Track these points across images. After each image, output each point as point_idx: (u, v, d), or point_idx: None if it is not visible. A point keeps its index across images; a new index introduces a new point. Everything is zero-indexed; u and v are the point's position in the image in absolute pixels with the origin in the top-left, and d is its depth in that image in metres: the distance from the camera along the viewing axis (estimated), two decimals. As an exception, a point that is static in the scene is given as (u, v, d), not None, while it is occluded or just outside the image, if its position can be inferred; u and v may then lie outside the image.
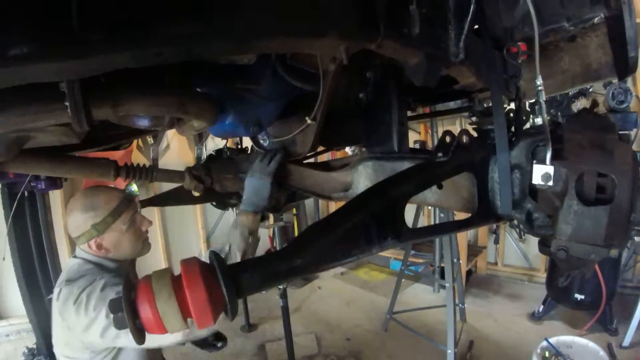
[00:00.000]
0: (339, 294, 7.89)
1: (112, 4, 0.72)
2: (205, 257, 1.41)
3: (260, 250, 6.77)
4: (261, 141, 2.15)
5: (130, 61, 0.81)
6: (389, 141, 1.87)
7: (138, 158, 5.80)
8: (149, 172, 2.25)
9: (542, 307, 6.17)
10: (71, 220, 2.19)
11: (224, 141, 3.02)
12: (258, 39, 0.92)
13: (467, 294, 7.00)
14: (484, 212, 1.52)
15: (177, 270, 1.00)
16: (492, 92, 1.49)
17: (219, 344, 2.81)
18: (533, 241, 7.29)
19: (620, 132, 1.34)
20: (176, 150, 7.27)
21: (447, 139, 1.62)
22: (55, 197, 5.55)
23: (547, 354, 4.37)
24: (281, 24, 0.91)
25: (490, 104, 1.53)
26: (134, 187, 2.05)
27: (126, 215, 2.22)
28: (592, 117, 1.46)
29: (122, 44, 0.75)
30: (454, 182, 1.62)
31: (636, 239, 1.29)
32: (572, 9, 1.60)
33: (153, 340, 1.92)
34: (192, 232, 8.20)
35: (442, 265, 6.29)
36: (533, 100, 2.40)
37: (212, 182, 2.57)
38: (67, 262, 2.31)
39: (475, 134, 1.66)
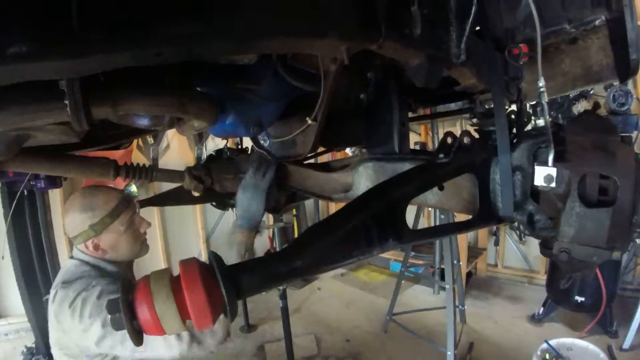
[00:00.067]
0: (339, 295, 7.89)
1: (112, 4, 0.71)
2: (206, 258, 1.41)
3: (260, 251, 6.77)
4: (261, 141, 2.14)
5: (130, 60, 0.81)
6: (390, 142, 1.86)
7: (138, 158, 5.78)
8: (149, 172, 2.24)
9: (542, 309, 6.16)
10: (69, 220, 2.18)
11: (224, 141, 3.02)
12: (258, 39, 0.91)
13: (467, 296, 6.99)
14: (485, 214, 1.52)
15: (177, 270, 1.00)
16: (494, 93, 1.49)
17: None
18: (533, 243, 7.30)
19: (622, 134, 1.34)
20: (176, 150, 7.26)
21: (449, 140, 1.62)
22: (55, 196, 5.56)
23: (547, 356, 4.36)
24: (281, 25, 0.90)
25: (492, 106, 1.53)
26: (133, 188, 2.04)
27: (124, 216, 2.20)
28: (594, 119, 1.45)
29: (122, 43, 0.74)
30: (455, 183, 1.61)
31: (637, 241, 1.28)
32: (573, 11, 1.60)
33: (149, 353, 1.95)
34: (191, 233, 8.20)
35: (442, 266, 6.29)
36: (534, 102, 2.40)
37: (212, 182, 2.57)
38: (65, 263, 2.29)
39: (476, 135, 1.65)
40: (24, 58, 0.66)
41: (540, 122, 1.49)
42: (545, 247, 1.43)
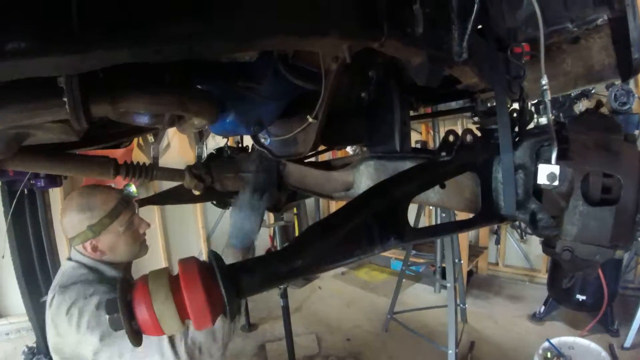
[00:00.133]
0: (340, 294, 7.90)
1: (112, 3, 0.71)
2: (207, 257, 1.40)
3: (260, 250, 6.81)
4: (262, 140, 2.13)
5: (130, 57, 0.80)
6: (391, 141, 1.86)
7: (138, 156, 5.79)
8: (149, 171, 2.24)
9: (543, 307, 6.17)
10: (66, 220, 2.13)
11: (225, 140, 3.01)
12: (258, 39, 0.91)
13: (468, 295, 7.00)
14: (487, 213, 1.51)
15: (177, 270, 0.99)
16: (496, 92, 1.48)
17: None
18: (534, 242, 7.30)
19: (625, 133, 1.34)
20: (177, 148, 7.25)
21: (451, 138, 1.61)
22: (55, 195, 5.55)
23: (548, 355, 4.37)
24: (281, 24, 0.90)
25: (494, 104, 1.52)
26: (133, 188, 2.02)
27: (124, 217, 2.17)
28: (597, 117, 1.45)
29: (121, 42, 0.74)
30: (457, 182, 1.61)
31: (639, 239, 1.28)
32: (575, 10, 1.59)
33: None
34: (192, 232, 8.20)
35: (443, 265, 6.30)
36: (536, 101, 2.39)
37: (212, 181, 2.56)
38: (62, 264, 2.26)
39: (478, 134, 1.65)
40: (23, 54, 0.65)
41: (543, 121, 1.49)
42: (548, 246, 1.42)
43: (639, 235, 1.30)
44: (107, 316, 0.93)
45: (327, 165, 2.30)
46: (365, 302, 7.48)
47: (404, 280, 6.48)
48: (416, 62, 1.24)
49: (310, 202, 9.22)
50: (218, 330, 1.95)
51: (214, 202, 3.41)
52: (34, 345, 5.04)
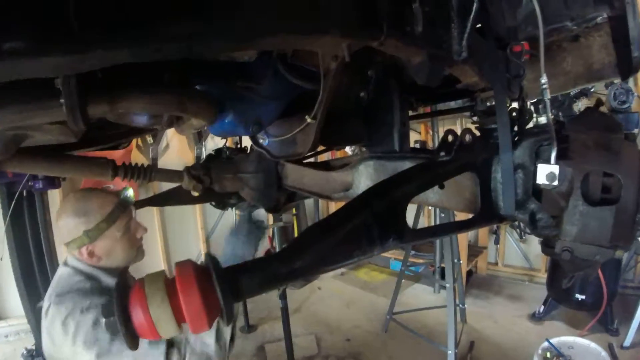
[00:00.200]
0: (339, 295, 7.89)
1: (111, 3, 0.70)
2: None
3: (260, 251, 6.78)
4: (261, 140, 2.13)
5: (130, 57, 0.79)
6: (390, 141, 1.85)
7: (137, 157, 5.79)
8: (147, 172, 2.23)
9: (542, 307, 6.17)
10: (62, 225, 2.10)
11: (224, 140, 3.01)
12: (259, 37, 0.90)
13: (468, 295, 7.00)
14: (486, 213, 1.51)
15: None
16: (495, 91, 1.48)
17: None
18: (534, 241, 7.31)
19: (626, 132, 1.33)
20: (176, 149, 7.25)
21: (450, 138, 1.61)
22: (54, 196, 5.53)
23: (548, 355, 4.36)
24: (282, 23, 0.89)
25: (493, 103, 1.52)
26: (130, 192, 1.99)
27: (121, 222, 2.12)
28: (597, 116, 1.44)
29: (121, 42, 0.73)
30: (456, 182, 1.61)
31: (639, 239, 1.28)
32: (575, 8, 1.59)
33: None
34: (191, 233, 8.19)
35: (443, 265, 6.30)
36: (535, 100, 2.39)
37: (211, 182, 2.56)
38: (58, 270, 2.21)
39: (478, 134, 1.65)
40: (20, 54, 0.65)
41: (542, 120, 1.48)
42: (547, 246, 1.42)
43: (639, 235, 1.29)
44: (104, 319, 0.93)
45: (326, 166, 2.30)
46: (365, 303, 7.48)
47: (403, 280, 6.48)
48: (416, 61, 1.23)
49: (309, 202, 9.21)
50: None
51: (213, 203, 3.41)
52: (33, 347, 5.03)
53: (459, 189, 1.64)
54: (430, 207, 7.45)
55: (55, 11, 0.65)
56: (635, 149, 1.26)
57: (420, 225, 6.67)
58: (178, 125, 1.65)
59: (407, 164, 1.76)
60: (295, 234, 8.15)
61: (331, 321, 6.81)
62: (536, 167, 1.29)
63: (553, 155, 1.25)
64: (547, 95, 1.34)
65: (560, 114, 5.03)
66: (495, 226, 7.80)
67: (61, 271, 2.16)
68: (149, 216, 7.21)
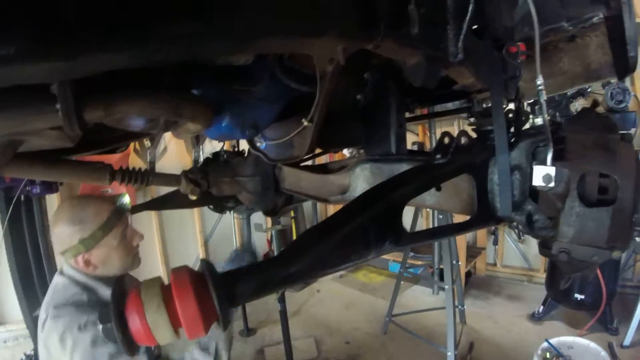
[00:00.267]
0: (338, 297, 7.89)
1: (108, 7, 0.70)
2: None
3: (258, 254, 6.76)
4: (258, 144, 2.13)
5: (126, 63, 0.79)
6: (387, 143, 1.86)
7: (135, 161, 5.78)
8: (145, 176, 2.23)
9: (542, 307, 6.17)
10: (56, 233, 2.08)
11: (221, 144, 3.01)
12: (257, 39, 0.90)
13: (467, 296, 7.00)
14: (483, 214, 1.51)
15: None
16: (492, 92, 1.48)
17: None
18: (532, 242, 7.31)
19: (622, 132, 1.33)
20: (174, 153, 7.24)
21: (446, 140, 1.61)
22: (52, 201, 5.52)
23: (548, 355, 4.36)
24: (281, 24, 0.89)
25: (489, 105, 1.52)
26: (126, 199, 1.97)
27: (117, 230, 2.10)
28: (594, 116, 1.44)
29: (119, 44, 0.73)
30: (453, 184, 1.60)
31: (637, 239, 1.27)
32: (572, 9, 1.59)
33: None
34: (190, 236, 8.17)
35: (441, 267, 6.29)
36: (532, 100, 2.39)
37: (208, 185, 2.56)
38: (54, 279, 2.18)
39: (474, 135, 1.65)
40: (13, 60, 0.64)
41: (539, 121, 1.48)
42: (545, 247, 1.42)
43: (637, 235, 1.29)
44: (101, 326, 0.93)
45: (323, 169, 2.30)
46: (364, 305, 7.48)
47: (402, 282, 6.47)
48: (412, 63, 1.23)
49: (308, 205, 9.22)
50: None
51: (211, 207, 3.40)
52: (32, 352, 5.03)
53: (456, 191, 1.64)
54: (428, 209, 7.45)
55: (52, 16, 0.65)
56: (632, 149, 1.26)
57: (418, 227, 6.67)
58: (174, 129, 1.64)
59: (403, 167, 1.76)
60: (294, 237, 8.15)
61: (330, 323, 6.80)
62: (532, 169, 1.29)
63: (549, 156, 1.25)
64: (543, 97, 1.34)
65: (557, 114, 5.03)
66: (493, 227, 7.80)
67: (57, 280, 2.14)
68: (147, 220, 7.21)
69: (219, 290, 0.93)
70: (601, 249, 1.22)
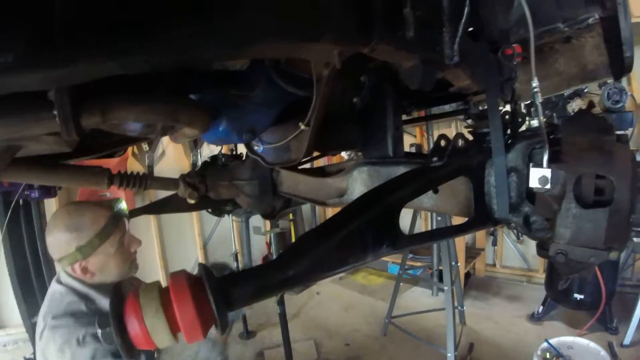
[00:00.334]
0: (338, 299, 7.88)
1: (102, 10, 0.70)
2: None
3: (257, 257, 6.77)
4: (255, 147, 2.13)
5: (119, 69, 0.79)
6: (384, 146, 1.86)
7: (133, 165, 5.78)
8: (143, 180, 2.23)
9: (541, 307, 6.17)
10: (53, 240, 2.05)
11: (219, 147, 3.01)
12: (254, 44, 0.90)
13: (466, 297, 7.00)
14: (481, 216, 1.51)
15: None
16: (488, 94, 1.48)
17: None
18: (531, 242, 7.31)
19: (617, 133, 1.33)
20: (172, 156, 7.23)
21: (442, 143, 1.61)
22: (51, 205, 5.52)
23: (547, 355, 4.36)
24: (277, 28, 0.90)
25: (486, 107, 1.52)
26: (123, 205, 1.95)
27: (114, 237, 2.08)
28: (590, 118, 1.44)
29: (110, 53, 0.73)
30: (450, 186, 1.61)
31: (635, 239, 1.28)
32: (567, 10, 1.59)
33: None
34: (189, 240, 8.17)
35: (441, 268, 6.29)
36: (528, 102, 2.40)
37: (206, 189, 2.56)
38: (51, 286, 2.16)
39: (470, 138, 1.65)
40: (6, 69, 0.65)
41: (535, 123, 1.49)
42: (542, 249, 1.42)
43: (634, 235, 1.29)
44: (100, 330, 0.93)
45: (321, 172, 2.30)
46: (364, 306, 7.47)
47: (401, 283, 6.46)
48: (408, 66, 1.24)
49: (306, 208, 9.21)
50: None
51: (209, 210, 3.40)
52: (32, 356, 5.02)
53: (453, 193, 1.64)
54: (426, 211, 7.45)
55: (42, 23, 0.65)
56: (628, 150, 1.26)
57: (417, 228, 6.67)
58: (172, 134, 1.64)
59: (401, 169, 1.76)
60: (293, 239, 8.15)
61: (330, 326, 6.80)
62: (529, 171, 1.29)
63: (545, 158, 1.25)
64: (539, 99, 1.34)
65: (554, 114, 5.04)
66: (492, 228, 7.81)
67: (54, 288, 2.12)
68: (145, 224, 7.21)
69: (217, 295, 0.93)
70: (598, 250, 1.22)
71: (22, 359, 5.13)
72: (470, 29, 1.39)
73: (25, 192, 4.15)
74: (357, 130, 1.97)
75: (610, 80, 3.96)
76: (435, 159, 1.57)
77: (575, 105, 5.21)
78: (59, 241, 2.02)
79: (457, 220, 1.59)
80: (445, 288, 5.12)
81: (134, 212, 3.01)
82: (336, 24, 0.97)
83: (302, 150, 1.81)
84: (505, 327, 6.18)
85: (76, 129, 1.11)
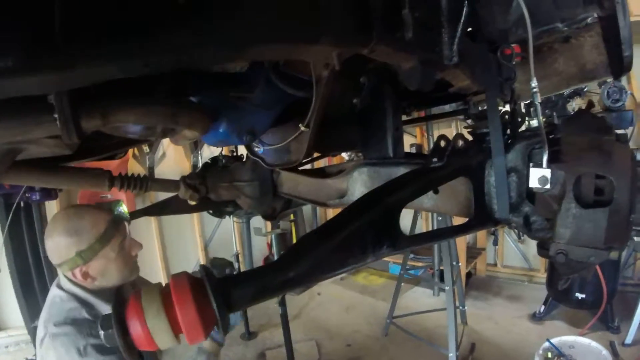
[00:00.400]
0: (339, 300, 7.88)
1: (100, 16, 0.70)
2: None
3: (258, 258, 6.77)
4: (255, 149, 2.13)
5: (118, 73, 0.80)
6: (384, 147, 1.86)
7: (134, 167, 5.79)
8: (144, 182, 2.23)
9: (543, 307, 6.16)
10: (52, 245, 2.02)
11: (220, 149, 3.02)
12: (254, 45, 0.90)
13: (467, 297, 6.99)
14: (481, 217, 1.51)
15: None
16: (487, 95, 1.48)
17: None
18: (532, 242, 7.20)
19: (617, 132, 1.33)
20: (172, 158, 7.24)
21: (442, 143, 1.61)
22: (52, 207, 5.53)
23: (549, 355, 4.36)
24: (277, 30, 0.90)
25: (485, 107, 1.52)
26: (123, 208, 1.93)
27: (115, 241, 2.04)
28: (589, 118, 1.45)
29: (108, 56, 0.73)
30: (450, 186, 1.60)
31: (636, 238, 1.28)
32: (565, 9, 1.59)
33: None
34: (189, 241, 8.16)
35: (442, 268, 6.29)
36: (528, 102, 2.40)
37: (207, 190, 2.56)
38: (51, 291, 2.14)
39: (470, 138, 1.65)
40: (6, 73, 0.65)
41: (535, 123, 1.49)
42: (543, 248, 1.42)
43: (634, 235, 1.30)
44: (103, 332, 0.93)
45: (321, 173, 2.30)
46: (365, 307, 7.47)
47: (402, 284, 6.46)
48: (407, 67, 1.24)
49: (307, 209, 9.21)
50: None
51: (210, 212, 3.40)
52: (33, 357, 5.02)
53: (454, 194, 1.64)
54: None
55: (41, 28, 0.65)
56: (627, 150, 1.26)
57: (418, 228, 6.67)
58: (172, 136, 1.64)
59: (401, 170, 1.75)
60: (294, 240, 8.15)
61: (331, 326, 6.80)
62: (529, 171, 1.29)
63: (545, 158, 1.25)
64: (538, 99, 1.35)
65: (554, 114, 5.04)
66: (492, 228, 7.80)
67: (54, 293, 2.10)
68: (146, 225, 7.20)
69: (218, 296, 0.94)
70: (598, 250, 1.22)
71: (24, 360, 5.14)
72: (469, 29, 1.39)
73: (26, 195, 4.15)
74: (357, 131, 1.97)
75: (610, 79, 3.95)
76: (435, 159, 1.57)
77: (575, 105, 5.21)
78: (58, 245, 2.00)
79: (458, 221, 1.59)
80: (447, 288, 5.12)
81: (135, 214, 3.00)
82: (335, 25, 0.97)
83: (302, 152, 1.81)
84: (506, 327, 6.18)
85: (77, 132, 1.12)
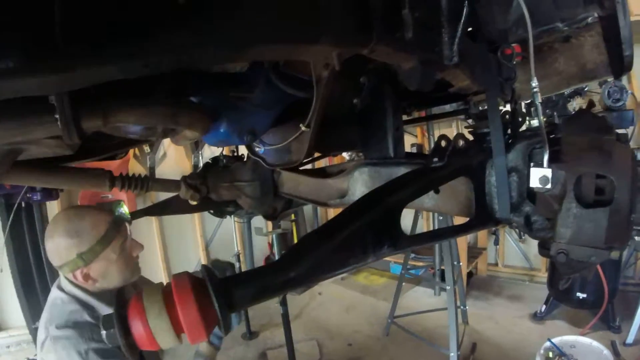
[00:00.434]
0: (340, 300, 7.88)
1: (100, 17, 0.70)
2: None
3: (259, 257, 6.77)
4: (256, 149, 2.13)
5: (118, 73, 0.80)
6: (385, 146, 1.85)
7: (135, 167, 5.80)
8: (145, 182, 2.23)
9: (544, 307, 6.16)
10: (52, 246, 2.02)
11: (220, 149, 3.02)
12: (254, 44, 0.90)
13: (468, 296, 7.00)
14: (482, 216, 1.51)
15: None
16: (487, 94, 1.48)
17: None
18: (533, 241, 7.20)
19: (618, 132, 1.33)
20: (173, 158, 7.25)
21: (443, 143, 1.61)
22: (53, 208, 5.53)
23: (550, 355, 4.36)
24: (277, 31, 0.90)
25: (486, 107, 1.52)
26: (124, 209, 1.91)
27: (116, 243, 2.03)
28: (589, 118, 1.44)
29: (108, 57, 0.74)
30: (450, 186, 1.60)
31: (637, 238, 1.28)
32: (565, 9, 1.59)
33: None
34: (190, 241, 8.17)
35: (443, 268, 6.29)
36: (529, 101, 2.39)
37: (208, 191, 2.56)
38: (52, 292, 2.13)
39: (471, 138, 1.65)
40: (9, 74, 0.65)
41: (535, 123, 1.49)
42: (544, 248, 1.42)
43: (635, 234, 1.30)
44: (104, 332, 0.94)
45: (322, 173, 2.30)
46: (366, 307, 7.47)
47: (403, 283, 6.46)
48: (407, 67, 1.24)
49: (308, 209, 9.20)
50: None
51: (211, 212, 3.40)
52: (35, 357, 5.03)
53: (454, 194, 1.64)
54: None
55: (42, 31, 0.65)
56: (627, 149, 1.26)
57: (419, 228, 6.67)
58: (172, 136, 1.64)
59: (401, 170, 1.75)
60: (295, 240, 8.15)
61: (332, 326, 6.80)
62: (529, 170, 1.29)
63: (545, 158, 1.26)
64: (538, 99, 1.35)
65: (555, 113, 5.03)
66: (493, 228, 7.79)
67: (55, 295, 2.09)
68: (147, 225, 7.21)
69: (219, 295, 0.94)
70: (599, 250, 1.22)
71: (25, 360, 5.14)
72: (469, 29, 1.39)
73: (27, 195, 4.16)
74: (358, 131, 1.97)
75: (610, 79, 3.95)
76: (435, 159, 1.57)
77: (575, 104, 5.21)
78: (58, 247, 1.99)
79: (459, 220, 1.59)
80: (448, 288, 5.12)
81: (136, 214, 3.00)
82: (335, 25, 0.97)
83: (303, 152, 1.81)
84: (507, 327, 6.18)
85: (77, 132, 1.12)
